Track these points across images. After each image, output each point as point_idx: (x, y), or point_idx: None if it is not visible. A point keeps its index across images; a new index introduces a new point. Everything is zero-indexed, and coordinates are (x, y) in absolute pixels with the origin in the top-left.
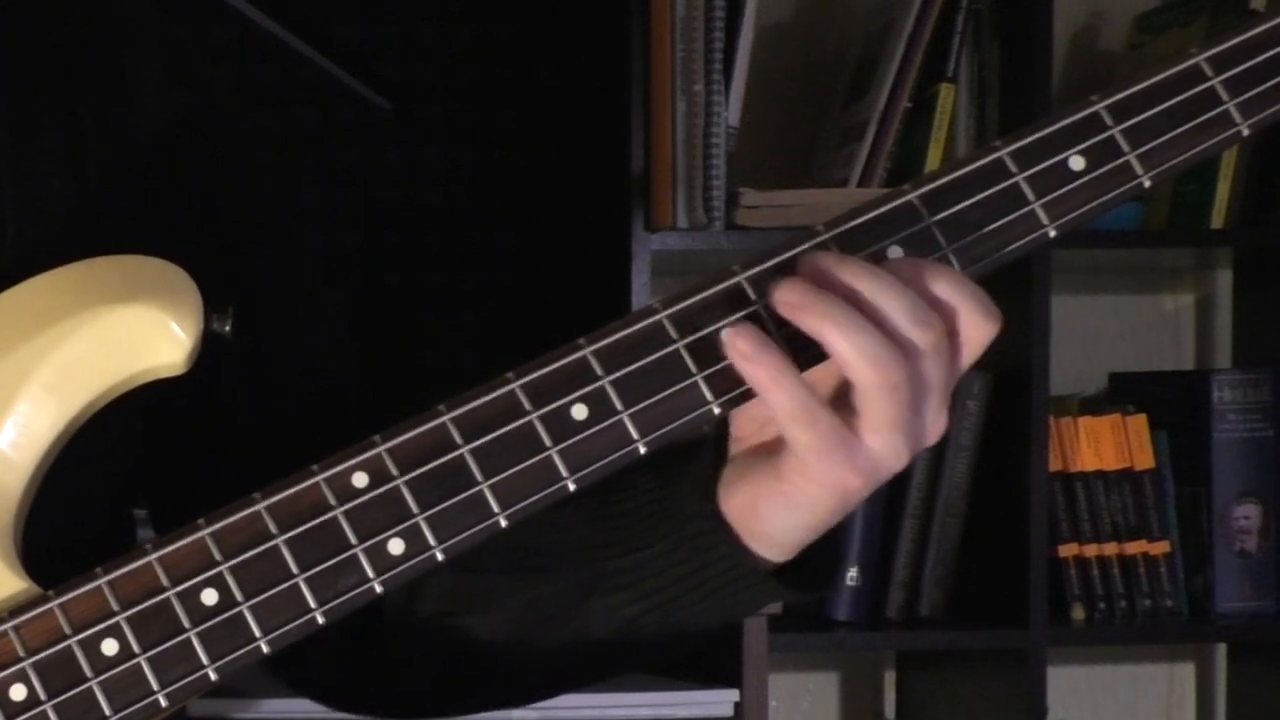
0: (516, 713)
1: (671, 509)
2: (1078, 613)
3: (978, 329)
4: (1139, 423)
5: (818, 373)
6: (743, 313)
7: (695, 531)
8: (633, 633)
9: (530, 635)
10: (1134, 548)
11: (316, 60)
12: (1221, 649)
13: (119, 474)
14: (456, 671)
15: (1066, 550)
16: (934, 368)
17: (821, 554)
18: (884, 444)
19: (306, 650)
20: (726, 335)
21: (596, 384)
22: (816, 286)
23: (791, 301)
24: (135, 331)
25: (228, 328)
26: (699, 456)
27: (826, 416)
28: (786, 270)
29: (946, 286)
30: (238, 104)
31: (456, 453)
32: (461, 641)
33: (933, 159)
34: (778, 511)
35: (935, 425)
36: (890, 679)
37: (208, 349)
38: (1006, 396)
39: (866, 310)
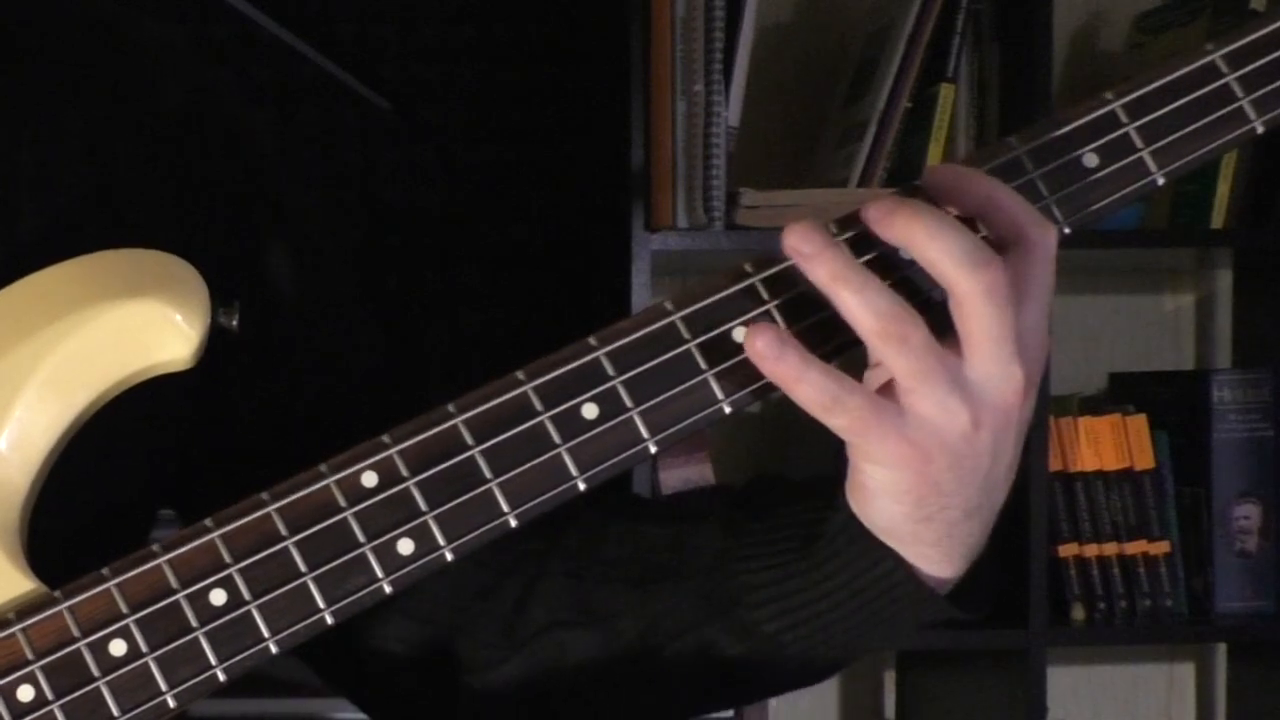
0: None
1: (823, 526)
2: (1078, 613)
3: (1043, 236)
4: (1139, 423)
5: None
6: (756, 311)
7: (847, 541)
8: (773, 650)
9: (654, 648)
10: (1134, 548)
11: (316, 60)
12: (1221, 649)
13: (126, 471)
14: (564, 689)
15: (1066, 550)
16: (988, 310)
17: (977, 575)
18: (926, 404)
19: (383, 681)
20: (745, 335)
21: (608, 383)
22: (829, 236)
23: (808, 250)
24: (141, 326)
25: (235, 322)
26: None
27: (855, 398)
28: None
29: (1002, 193)
30: (245, 102)
31: (467, 453)
32: (575, 655)
33: (933, 159)
34: (871, 503)
35: (1006, 378)
36: (890, 679)
37: (215, 345)
38: None
39: (917, 255)
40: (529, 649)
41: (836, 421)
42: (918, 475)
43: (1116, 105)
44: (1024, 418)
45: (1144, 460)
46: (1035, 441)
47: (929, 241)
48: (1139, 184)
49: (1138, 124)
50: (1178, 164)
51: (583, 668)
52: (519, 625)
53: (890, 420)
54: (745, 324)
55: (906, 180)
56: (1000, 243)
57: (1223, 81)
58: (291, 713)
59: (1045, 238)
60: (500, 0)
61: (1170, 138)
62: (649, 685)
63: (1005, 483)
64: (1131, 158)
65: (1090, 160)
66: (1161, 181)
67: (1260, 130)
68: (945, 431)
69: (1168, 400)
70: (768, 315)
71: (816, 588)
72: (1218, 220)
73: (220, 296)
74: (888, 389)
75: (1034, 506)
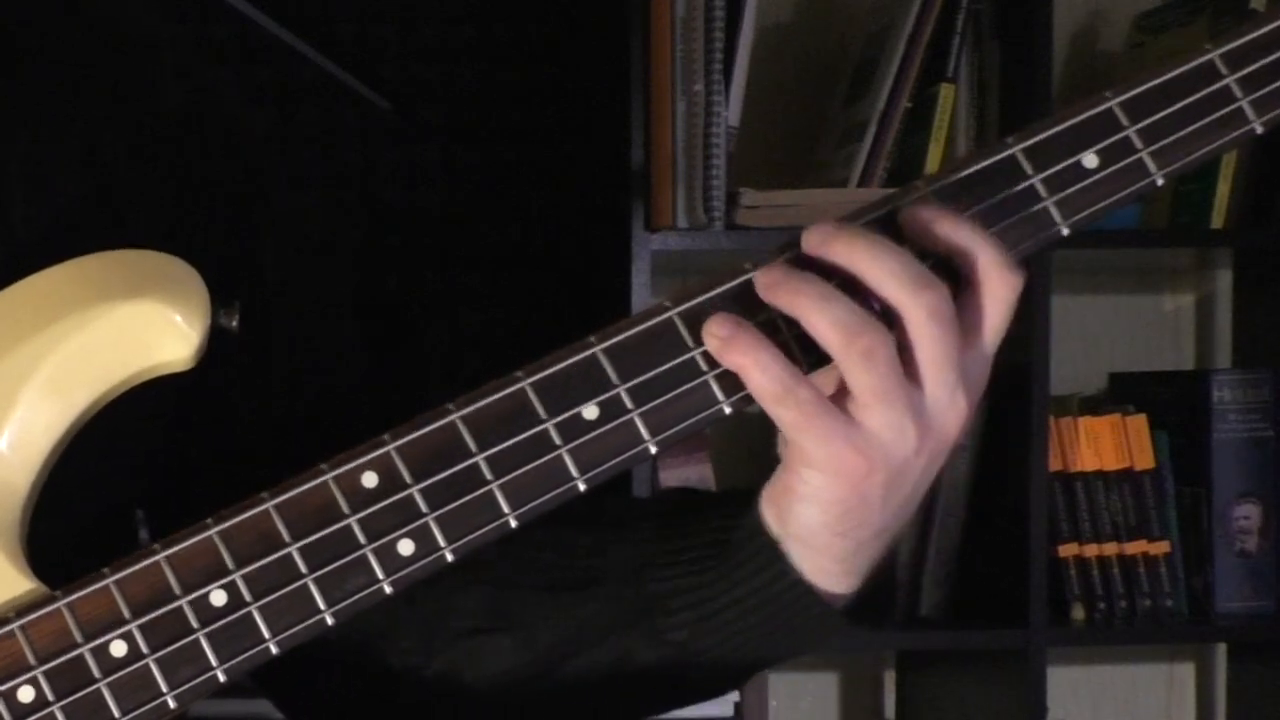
0: None
1: (732, 535)
2: (1078, 613)
3: (999, 280)
4: (1139, 423)
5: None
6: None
7: (752, 552)
8: (685, 658)
9: (571, 655)
10: (1134, 548)
11: (316, 60)
12: (1221, 649)
13: (124, 472)
14: (482, 695)
15: (1066, 550)
16: (932, 333)
17: (878, 588)
18: (879, 421)
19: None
20: (705, 324)
21: (607, 383)
22: (794, 267)
23: (766, 281)
24: (141, 327)
25: (235, 323)
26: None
27: (807, 392)
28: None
29: (965, 235)
30: (245, 102)
31: (467, 453)
32: (495, 661)
33: (933, 159)
34: (794, 506)
35: (951, 407)
36: (890, 679)
37: (214, 345)
38: (1006, 396)
39: (862, 278)
40: (448, 655)
41: (785, 414)
42: (852, 487)
43: (1115, 105)
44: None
45: (1144, 460)
46: (1035, 441)
47: (872, 263)
48: (1139, 185)
49: (1138, 126)
50: (1178, 165)
51: (500, 674)
52: (439, 631)
53: (838, 425)
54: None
55: (907, 180)
56: (964, 281)
57: (1223, 83)
58: None
59: (1004, 284)
60: (500, 0)
61: (1170, 138)
62: (565, 692)
63: (913, 510)
64: (1131, 159)
65: (1090, 161)
66: (1161, 182)
67: (1260, 130)
68: (891, 450)
69: (1168, 400)
70: (769, 316)
71: (726, 594)
72: (1218, 220)
73: (220, 297)
74: (837, 397)
75: (1034, 506)
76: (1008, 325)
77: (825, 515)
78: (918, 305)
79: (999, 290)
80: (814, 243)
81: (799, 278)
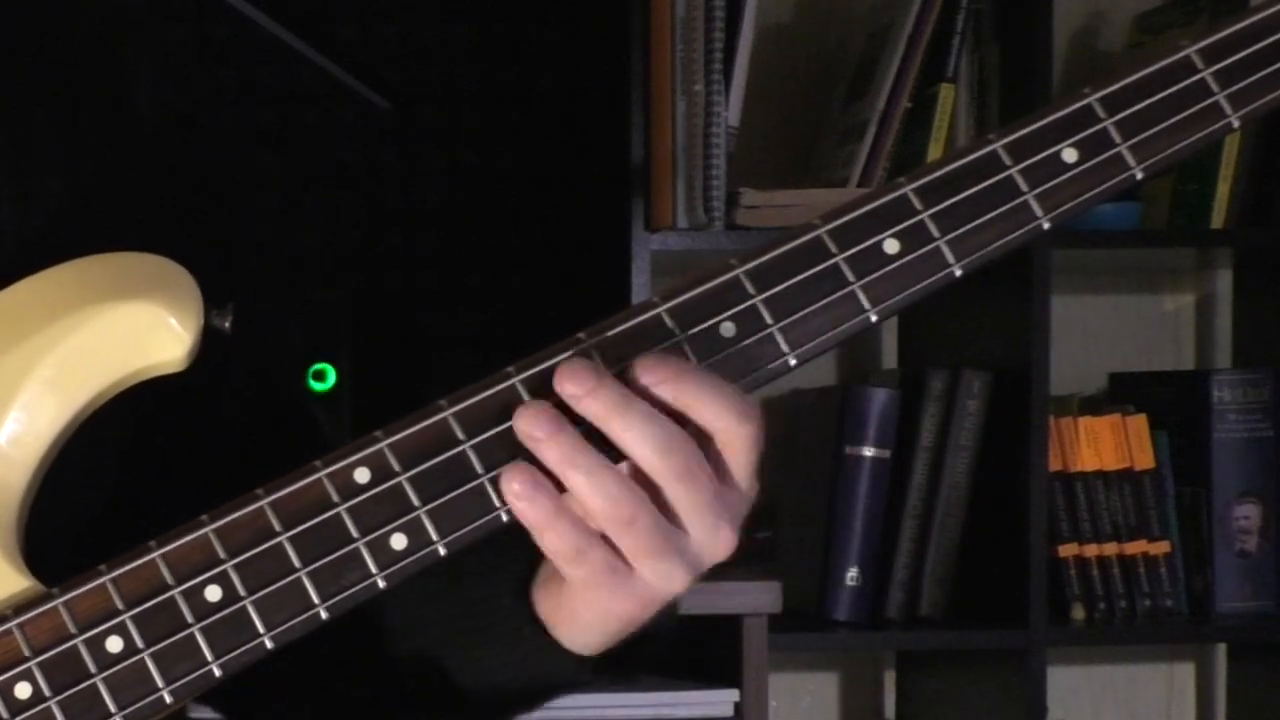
0: None
1: (495, 608)
2: (1078, 613)
3: (733, 432)
4: (1139, 423)
5: None
6: (742, 305)
7: (513, 631)
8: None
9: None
10: (1134, 548)
11: (316, 60)
12: (1221, 649)
13: (110, 471)
14: None
15: (1066, 550)
16: (687, 491)
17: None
18: (652, 572)
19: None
20: (502, 476)
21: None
22: (559, 419)
23: (533, 436)
24: (136, 328)
25: (228, 324)
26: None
27: (596, 554)
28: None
29: (696, 391)
30: (234, 102)
31: (458, 447)
32: None
33: (933, 159)
34: (567, 627)
35: (716, 542)
36: (890, 679)
37: (207, 346)
38: (1006, 396)
39: (613, 439)
40: None
41: (575, 572)
42: (624, 624)
43: (1094, 100)
44: None
45: (1144, 460)
46: (1035, 441)
47: (624, 426)
48: (1118, 178)
49: (1115, 119)
50: (1156, 159)
51: None
52: None
53: (622, 581)
54: (732, 318)
55: None
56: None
57: (1198, 76)
58: None
59: (737, 436)
60: (500, 0)
61: (1148, 132)
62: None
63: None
64: (1110, 153)
65: (1069, 155)
66: (1141, 176)
67: (1236, 125)
68: (661, 593)
69: (1168, 400)
70: (754, 310)
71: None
72: (1218, 220)
73: (213, 298)
74: None
75: (1034, 506)
76: (756, 460)
77: (602, 637)
78: (667, 469)
79: (735, 441)
80: (570, 390)
81: (564, 440)
